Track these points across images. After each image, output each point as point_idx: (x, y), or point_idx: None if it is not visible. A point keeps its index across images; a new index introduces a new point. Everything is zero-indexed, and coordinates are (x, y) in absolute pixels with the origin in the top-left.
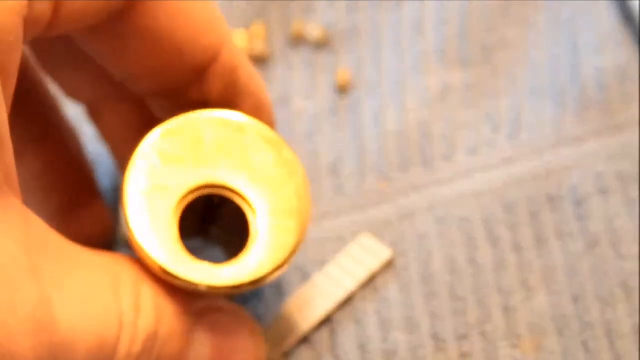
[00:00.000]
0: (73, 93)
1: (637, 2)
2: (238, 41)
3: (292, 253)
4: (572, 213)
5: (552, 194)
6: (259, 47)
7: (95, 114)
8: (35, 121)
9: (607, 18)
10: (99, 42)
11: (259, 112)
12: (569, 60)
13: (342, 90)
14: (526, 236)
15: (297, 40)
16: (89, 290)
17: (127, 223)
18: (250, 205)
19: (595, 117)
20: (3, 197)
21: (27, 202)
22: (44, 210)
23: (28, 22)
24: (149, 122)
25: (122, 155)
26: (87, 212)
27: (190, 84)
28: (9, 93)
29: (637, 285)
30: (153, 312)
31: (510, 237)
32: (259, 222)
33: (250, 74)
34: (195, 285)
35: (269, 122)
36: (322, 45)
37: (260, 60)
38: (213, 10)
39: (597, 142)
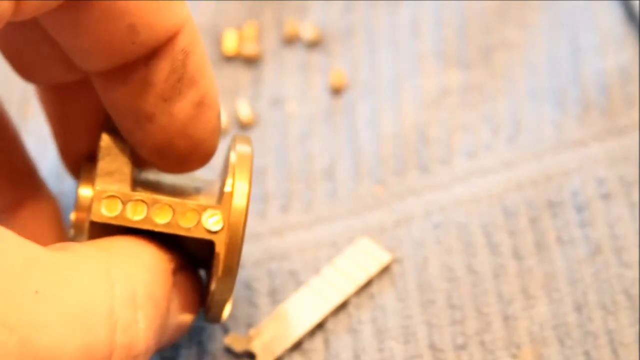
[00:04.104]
0: (28, 72)
1: (639, 1)
2: (230, 41)
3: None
4: (573, 219)
5: (553, 199)
6: (251, 47)
7: (47, 96)
8: None
9: (608, 18)
10: (53, 17)
11: (201, 106)
12: (570, 61)
13: (337, 91)
14: (526, 242)
15: (291, 41)
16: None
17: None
18: None
19: (596, 120)
20: None
21: None
22: None
23: None
24: (99, 109)
25: (67, 140)
26: (33, 208)
27: (138, 64)
28: None
29: None
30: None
31: (509, 243)
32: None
33: (201, 65)
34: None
35: (212, 120)
36: (316, 45)
37: (252, 61)
38: None
39: (598, 146)
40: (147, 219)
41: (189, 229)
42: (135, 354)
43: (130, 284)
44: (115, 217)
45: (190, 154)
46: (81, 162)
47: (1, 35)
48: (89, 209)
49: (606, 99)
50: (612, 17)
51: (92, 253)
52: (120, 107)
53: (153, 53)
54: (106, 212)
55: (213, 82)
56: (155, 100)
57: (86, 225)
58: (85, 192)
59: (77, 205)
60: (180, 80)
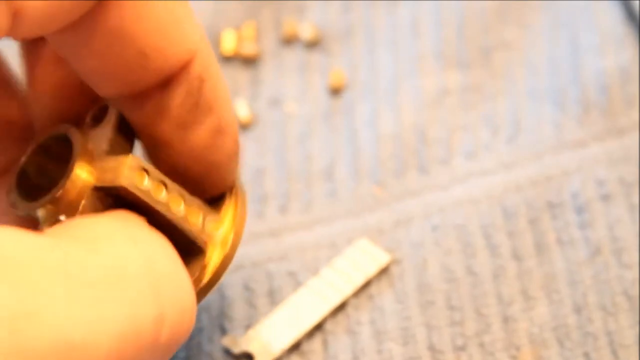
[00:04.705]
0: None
1: (639, 1)
2: (228, 41)
3: None
4: (573, 220)
5: (553, 200)
6: (250, 47)
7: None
8: None
9: (608, 18)
10: (62, 39)
11: (219, 134)
12: (569, 61)
13: (336, 92)
14: (526, 243)
15: (289, 41)
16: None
17: None
18: None
19: (596, 120)
20: None
21: None
22: None
23: None
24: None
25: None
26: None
27: (153, 91)
28: None
29: None
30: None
31: (509, 244)
32: None
33: (217, 92)
34: None
35: (229, 147)
36: (314, 45)
37: (251, 61)
38: (187, 17)
39: (598, 146)
40: (166, 204)
41: (196, 228)
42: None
43: (154, 241)
44: (145, 192)
45: (207, 178)
46: (68, 128)
47: None
48: (83, 182)
49: (606, 99)
50: (612, 17)
51: (108, 222)
52: (138, 130)
53: (168, 79)
54: (139, 184)
55: (230, 108)
56: (171, 127)
57: (86, 192)
58: (81, 166)
59: (72, 174)
60: (197, 107)
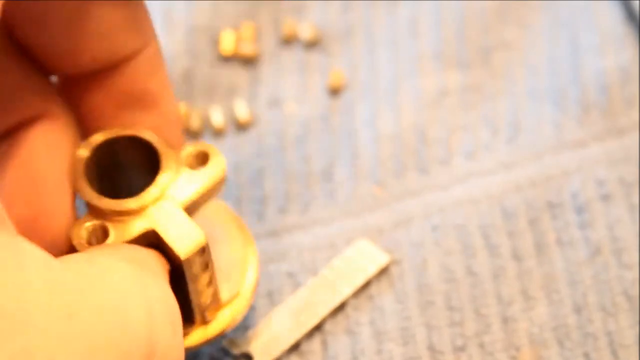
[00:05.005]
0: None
1: (639, 1)
2: (227, 41)
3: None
4: (573, 220)
5: (552, 200)
6: (249, 47)
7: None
8: None
9: (608, 17)
10: (21, 15)
11: (162, 128)
12: (569, 61)
13: (335, 92)
14: (525, 244)
15: (289, 41)
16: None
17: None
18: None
19: (596, 120)
20: None
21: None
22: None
23: None
24: None
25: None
26: (47, 127)
27: (101, 76)
28: None
29: None
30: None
31: (509, 244)
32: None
33: (163, 84)
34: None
35: (174, 140)
36: (314, 45)
37: (250, 61)
38: (139, 10)
39: (598, 147)
40: (197, 275)
41: (205, 303)
42: None
43: (165, 301)
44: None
45: None
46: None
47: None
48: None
49: (606, 99)
50: (612, 17)
51: (122, 267)
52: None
53: (113, 67)
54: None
55: (173, 102)
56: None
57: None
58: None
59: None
60: (141, 101)
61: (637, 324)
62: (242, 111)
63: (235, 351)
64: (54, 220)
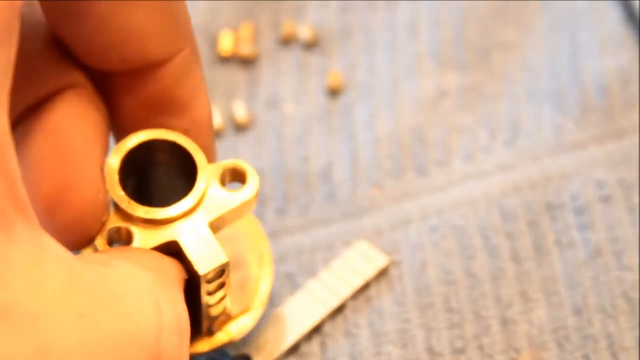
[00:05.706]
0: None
1: (639, 1)
2: (226, 41)
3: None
4: (573, 222)
5: (552, 201)
6: (247, 47)
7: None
8: None
9: (608, 18)
10: (58, 13)
11: (193, 132)
12: (569, 62)
13: (334, 93)
14: (525, 245)
15: (287, 41)
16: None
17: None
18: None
19: (595, 122)
20: (9, 229)
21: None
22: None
23: None
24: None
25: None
26: (71, 100)
27: (131, 77)
28: (6, 91)
29: None
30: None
31: (508, 246)
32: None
33: (196, 90)
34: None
35: (203, 146)
36: (312, 46)
37: (248, 62)
38: (177, 15)
39: (598, 148)
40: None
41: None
42: None
43: (175, 311)
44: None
45: None
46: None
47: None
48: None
49: (606, 101)
50: (612, 18)
51: (137, 273)
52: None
53: (148, 68)
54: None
55: (207, 107)
56: (142, 110)
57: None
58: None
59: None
60: (174, 105)
61: (637, 326)
62: (240, 112)
63: (234, 353)
64: (82, 191)
